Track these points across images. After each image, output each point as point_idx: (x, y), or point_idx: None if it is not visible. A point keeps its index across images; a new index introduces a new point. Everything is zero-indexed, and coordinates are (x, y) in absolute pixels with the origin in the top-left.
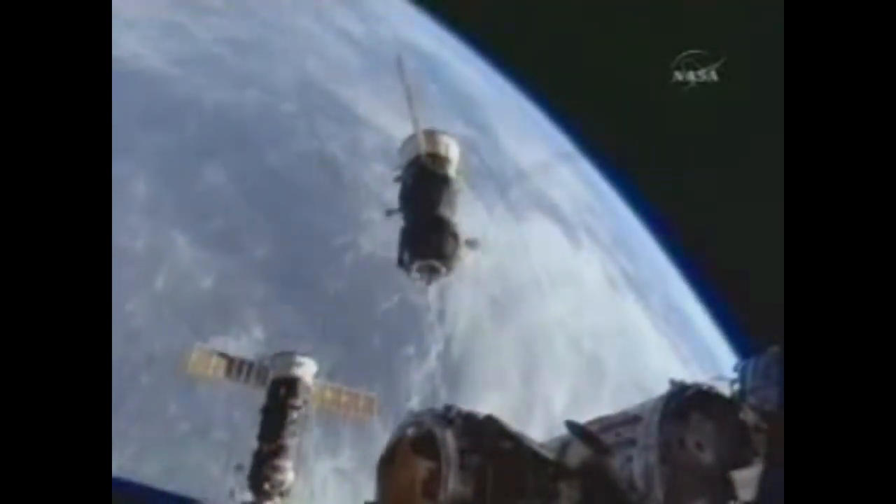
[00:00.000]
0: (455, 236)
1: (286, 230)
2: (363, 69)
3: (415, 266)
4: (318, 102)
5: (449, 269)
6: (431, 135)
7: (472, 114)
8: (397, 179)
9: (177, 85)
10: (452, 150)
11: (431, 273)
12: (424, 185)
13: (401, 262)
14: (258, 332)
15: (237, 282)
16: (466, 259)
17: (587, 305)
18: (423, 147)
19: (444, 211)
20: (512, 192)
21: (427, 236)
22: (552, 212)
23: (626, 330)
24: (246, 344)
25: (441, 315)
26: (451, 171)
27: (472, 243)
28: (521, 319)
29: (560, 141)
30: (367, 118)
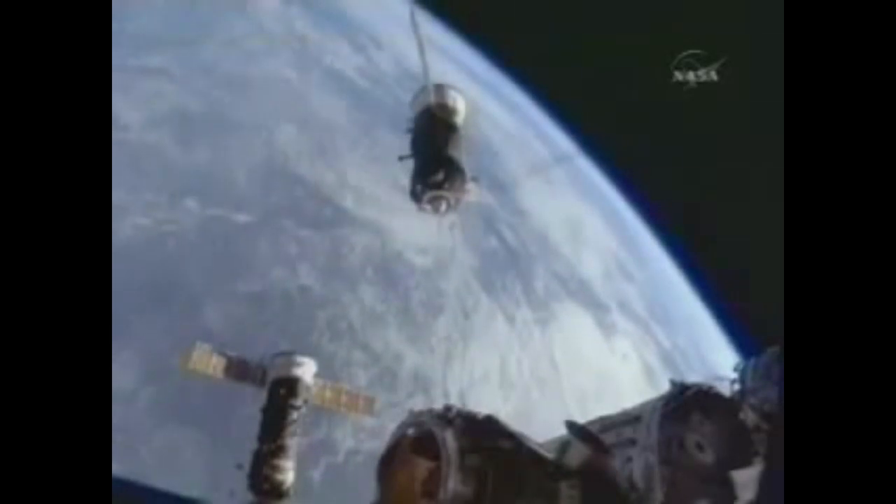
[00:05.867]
0: (461, 172)
1: (224, 448)
2: (354, 128)
3: (426, 197)
4: (287, 200)
5: (457, 201)
6: (440, 88)
7: (490, 166)
8: (409, 130)
9: None
10: (460, 102)
11: (440, 203)
12: (434, 130)
13: (413, 194)
14: None
15: None
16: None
17: None
18: (433, 99)
19: (452, 152)
20: (537, 279)
21: (437, 171)
22: (582, 292)
23: None
24: None
25: None
26: (459, 120)
27: (475, 179)
28: None
29: (585, 185)
30: (355, 211)
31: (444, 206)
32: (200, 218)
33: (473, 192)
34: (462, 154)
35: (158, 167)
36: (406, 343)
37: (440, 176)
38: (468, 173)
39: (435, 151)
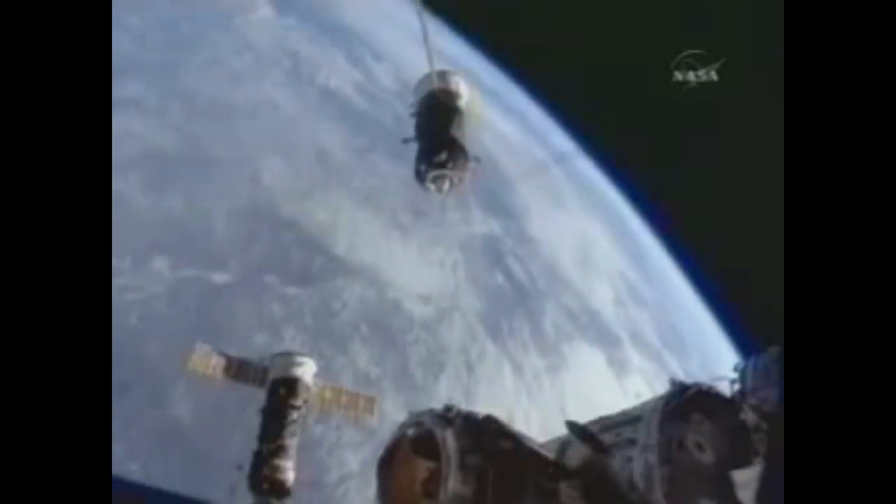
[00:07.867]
0: (464, 152)
1: None
2: (350, 156)
3: (429, 176)
4: (271, 250)
5: (459, 180)
6: (443, 73)
7: (495, 186)
8: (413, 115)
9: None
10: (462, 86)
11: (443, 182)
12: (437, 113)
13: (417, 174)
14: None
15: None
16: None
17: None
18: (437, 83)
19: (455, 132)
20: (546, 317)
21: (440, 150)
22: (592, 327)
23: None
24: None
25: None
26: (462, 103)
27: (477, 160)
28: None
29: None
30: (348, 258)
31: (447, 185)
32: (171, 282)
33: (474, 172)
34: (465, 135)
35: (124, 222)
36: (404, 411)
37: (443, 156)
38: (470, 153)
39: (438, 133)
